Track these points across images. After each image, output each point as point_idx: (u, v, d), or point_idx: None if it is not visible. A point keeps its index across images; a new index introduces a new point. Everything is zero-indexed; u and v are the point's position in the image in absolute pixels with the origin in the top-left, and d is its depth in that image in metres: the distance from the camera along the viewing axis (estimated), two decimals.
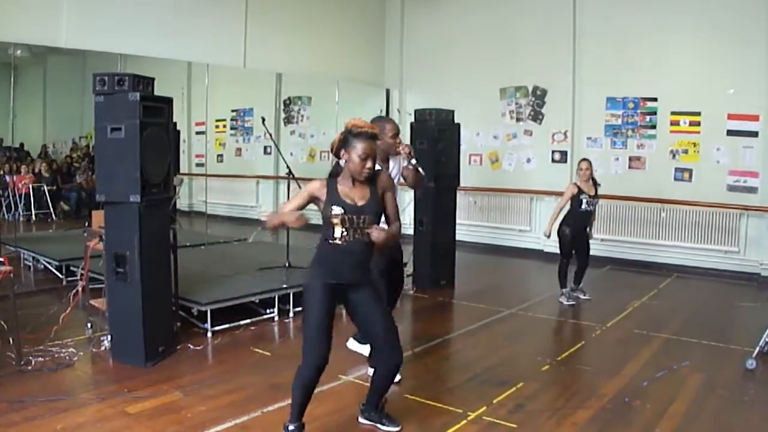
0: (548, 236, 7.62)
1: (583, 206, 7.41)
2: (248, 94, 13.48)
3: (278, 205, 12.98)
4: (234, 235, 10.77)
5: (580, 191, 7.41)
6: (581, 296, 7.76)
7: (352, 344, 5.50)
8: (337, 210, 3.59)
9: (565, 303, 7.51)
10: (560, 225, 7.57)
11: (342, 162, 3.71)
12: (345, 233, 3.62)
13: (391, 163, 5.14)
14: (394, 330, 3.89)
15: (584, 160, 7.66)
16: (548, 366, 5.46)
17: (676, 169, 9.86)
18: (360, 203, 3.67)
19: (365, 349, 5.49)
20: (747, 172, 9.28)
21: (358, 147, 3.61)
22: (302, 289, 3.78)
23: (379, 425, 4.11)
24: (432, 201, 8.18)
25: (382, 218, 3.86)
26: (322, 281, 3.66)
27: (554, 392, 4.89)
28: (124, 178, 4.93)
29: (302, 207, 3.67)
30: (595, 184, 7.56)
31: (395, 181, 5.14)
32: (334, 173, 3.75)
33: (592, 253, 7.78)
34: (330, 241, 3.64)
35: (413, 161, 5.10)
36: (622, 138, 10.32)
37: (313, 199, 3.69)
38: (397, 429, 4.09)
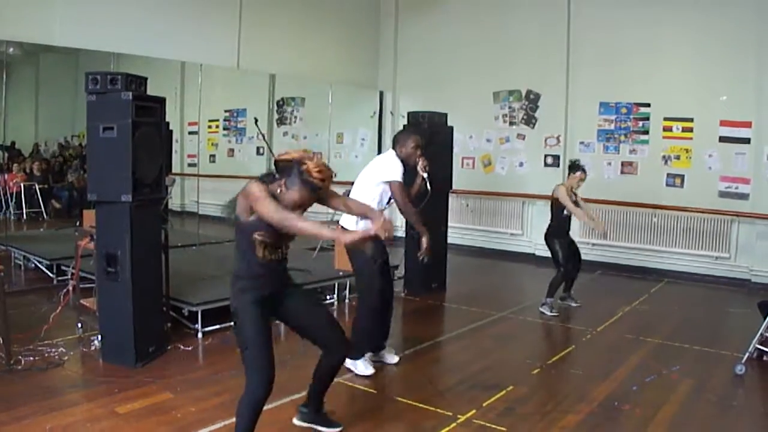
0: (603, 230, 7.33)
1: (565, 212, 7.33)
2: (241, 95, 13.47)
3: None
4: (226, 236, 10.72)
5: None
6: (572, 303, 7.61)
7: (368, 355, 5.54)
8: (263, 236, 3.32)
9: (548, 314, 7.26)
10: (547, 237, 7.45)
11: (277, 187, 3.32)
12: (267, 254, 3.37)
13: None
14: (335, 322, 3.74)
15: (584, 170, 7.43)
16: (538, 369, 5.47)
17: (668, 175, 9.88)
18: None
19: (386, 357, 5.51)
20: (738, 178, 9.31)
21: (296, 194, 3.28)
22: (233, 313, 3.46)
23: (318, 427, 3.99)
24: (424, 204, 8.16)
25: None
26: (251, 297, 3.38)
27: (544, 396, 4.90)
28: (116, 178, 4.92)
29: None
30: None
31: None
32: (269, 181, 3.34)
33: (584, 257, 7.76)
34: (251, 261, 3.39)
35: (425, 174, 5.46)
36: (615, 143, 10.35)
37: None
38: (339, 430, 4.01)
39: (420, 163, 5.40)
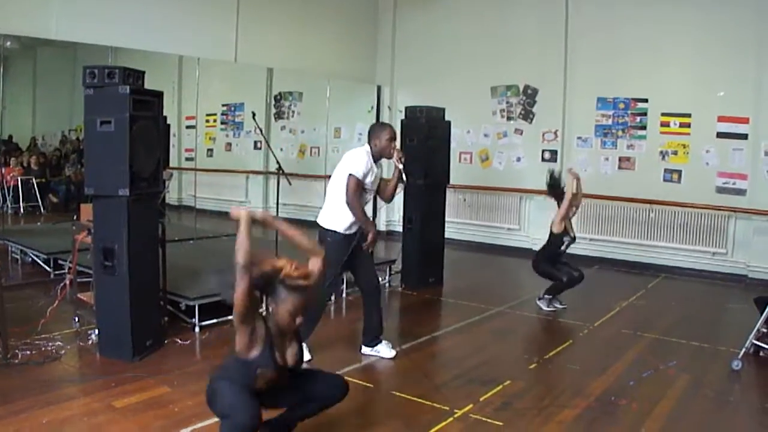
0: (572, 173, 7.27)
1: (563, 248, 7.27)
2: (239, 89, 13.47)
3: (267, 200, 12.98)
4: (223, 230, 10.74)
5: (566, 232, 7.22)
6: (557, 305, 7.39)
7: (366, 350, 5.58)
8: (267, 373, 3.17)
9: (545, 309, 7.27)
10: (536, 264, 7.34)
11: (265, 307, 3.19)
12: (266, 385, 3.21)
13: (375, 168, 5.49)
14: (322, 372, 3.63)
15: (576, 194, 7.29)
16: (535, 364, 5.47)
17: (666, 170, 9.89)
18: (291, 362, 3.29)
19: (383, 351, 5.51)
20: (736, 174, 9.32)
21: (288, 302, 3.13)
22: (209, 393, 3.29)
23: None
24: (422, 198, 8.19)
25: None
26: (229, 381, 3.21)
27: (541, 390, 4.90)
28: (113, 172, 4.90)
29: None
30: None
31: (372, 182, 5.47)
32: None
33: (581, 252, 7.74)
34: (244, 386, 3.17)
35: (400, 166, 5.46)
36: (612, 138, 10.35)
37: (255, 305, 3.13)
38: None
39: (395, 154, 5.42)
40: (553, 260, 7.31)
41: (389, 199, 5.78)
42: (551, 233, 7.28)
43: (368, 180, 5.38)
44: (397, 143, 5.54)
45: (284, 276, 3.09)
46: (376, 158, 5.44)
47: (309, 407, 3.57)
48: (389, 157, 5.46)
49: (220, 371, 3.32)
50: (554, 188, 7.35)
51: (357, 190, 5.29)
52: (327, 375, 3.66)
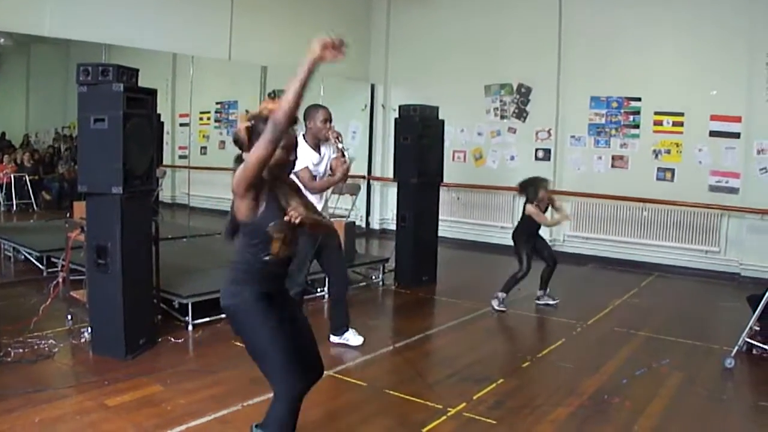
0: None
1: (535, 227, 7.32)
2: (233, 87, 13.45)
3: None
4: (216, 229, 10.70)
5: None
6: (550, 302, 7.39)
7: (334, 339, 5.62)
8: (279, 227, 2.90)
9: (496, 308, 7.10)
10: (515, 235, 7.38)
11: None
12: (283, 250, 2.96)
13: (323, 150, 5.45)
14: (315, 345, 3.34)
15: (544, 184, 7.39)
16: (528, 363, 5.48)
17: (659, 169, 9.90)
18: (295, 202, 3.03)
19: (351, 339, 5.55)
20: (728, 172, 9.34)
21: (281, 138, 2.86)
22: (231, 316, 3.07)
23: None
24: (415, 197, 8.19)
25: None
26: (252, 293, 2.95)
27: (534, 389, 4.91)
28: (107, 169, 4.89)
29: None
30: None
31: (324, 169, 5.46)
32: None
33: (574, 251, 7.75)
34: (261, 257, 2.95)
35: (340, 145, 5.34)
36: (606, 137, 10.36)
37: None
38: None
39: (331, 135, 5.30)
40: (529, 232, 7.31)
41: (342, 179, 5.53)
42: (524, 214, 7.29)
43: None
44: (333, 124, 5.42)
45: (269, 113, 2.88)
46: (313, 142, 5.35)
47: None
48: (326, 139, 5.35)
49: (236, 274, 3.07)
50: (525, 189, 7.34)
51: (309, 178, 5.20)
52: (316, 351, 3.33)
